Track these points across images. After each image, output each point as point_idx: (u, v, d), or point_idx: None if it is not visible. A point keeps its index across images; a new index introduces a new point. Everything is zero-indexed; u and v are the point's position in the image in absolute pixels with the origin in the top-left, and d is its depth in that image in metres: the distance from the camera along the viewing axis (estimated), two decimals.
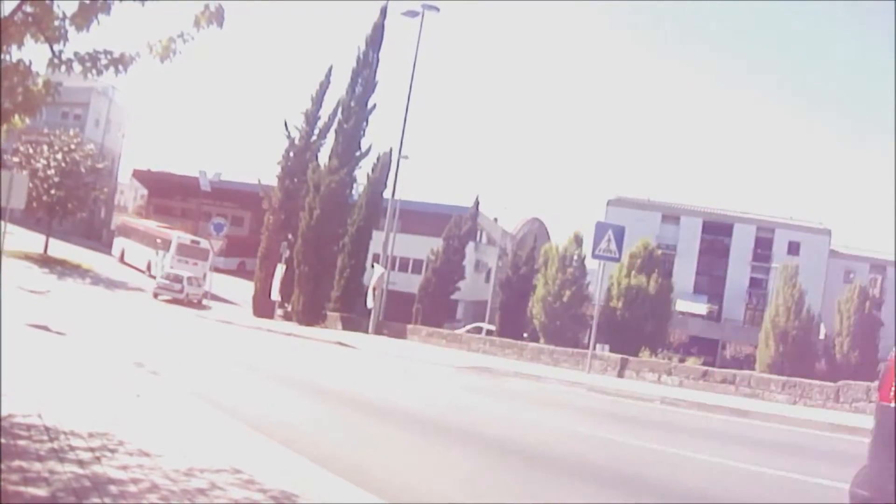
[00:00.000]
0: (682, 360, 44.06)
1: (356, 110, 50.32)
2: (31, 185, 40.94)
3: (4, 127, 8.27)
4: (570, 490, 10.28)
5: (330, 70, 54.42)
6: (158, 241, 62.12)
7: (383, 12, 50.17)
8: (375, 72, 50.46)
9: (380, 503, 8.12)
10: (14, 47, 7.44)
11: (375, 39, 50.28)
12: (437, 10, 44.59)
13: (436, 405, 18.47)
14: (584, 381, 25.45)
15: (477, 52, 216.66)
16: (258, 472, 8.62)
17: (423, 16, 44.67)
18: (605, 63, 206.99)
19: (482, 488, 10.06)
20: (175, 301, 52.33)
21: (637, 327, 59.75)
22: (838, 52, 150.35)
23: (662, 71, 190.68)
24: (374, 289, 45.33)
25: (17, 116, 8.04)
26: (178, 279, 53.58)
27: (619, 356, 30.72)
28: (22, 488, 6.88)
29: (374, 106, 50.97)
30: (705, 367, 28.62)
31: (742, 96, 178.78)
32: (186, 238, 62.07)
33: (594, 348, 31.33)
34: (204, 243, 60.05)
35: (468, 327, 60.13)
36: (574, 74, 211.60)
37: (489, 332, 56.63)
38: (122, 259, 67.40)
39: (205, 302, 55.46)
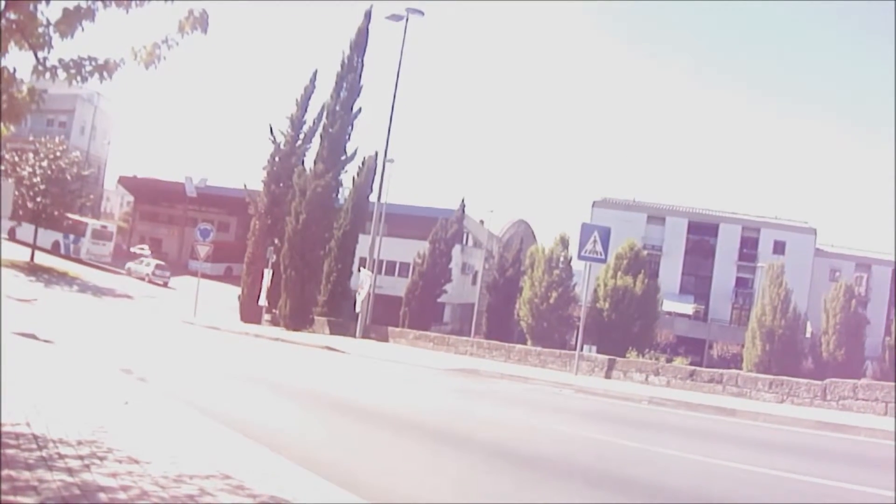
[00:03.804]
0: (669, 360, 44.11)
1: (341, 114, 50.26)
2: (16, 193, 40.83)
3: None
4: (559, 490, 10.30)
5: (315, 74, 54.60)
6: (67, 225, 67.22)
7: (368, 16, 50.12)
8: (360, 76, 50.40)
9: None
10: None
11: (360, 43, 50.23)
12: (422, 13, 44.55)
13: (424, 408, 18.47)
14: (571, 383, 25.49)
15: (462, 55, 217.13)
16: (247, 477, 8.64)
17: (407, 19, 44.59)
18: (590, 65, 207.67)
19: (471, 490, 10.08)
20: (140, 279, 68.28)
21: (624, 328, 59.93)
22: (821, 51, 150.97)
23: (647, 72, 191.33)
24: (363, 293, 45.32)
25: (1, 124, 8.02)
26: (147, 265, 71.04)
27: (607, 357, 30.74)
28: (12, 498, 6.87)
29: (360, 110, 50.90)
30: (692, 367, 28.64)
31: (726, 96, 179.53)
32: (98, 224, 73.09)
33: (581, 349, 31.38)
34: (111, 227, 77.68)
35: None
36: (559, 76, 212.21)
37: None
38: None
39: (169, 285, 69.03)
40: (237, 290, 56.13)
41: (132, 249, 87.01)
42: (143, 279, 69.00)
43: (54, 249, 63.22)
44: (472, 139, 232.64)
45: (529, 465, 11.75)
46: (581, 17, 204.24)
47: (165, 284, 69.73)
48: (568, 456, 12.68)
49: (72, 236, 64.08)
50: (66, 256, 61.30)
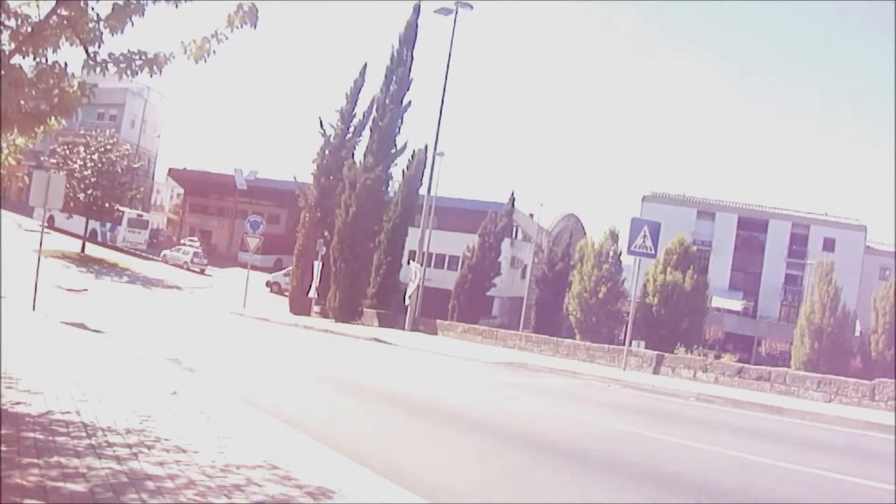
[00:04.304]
0: (717, 357, 43.85)
1: (391, 108, 50.39)
2: (67, 185, 41.27)
3: (41, 129, 8.35)
4: (605, 486, 10.27)
5: (364, 68, 54.48)
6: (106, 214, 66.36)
7: (417, 10, 50.23)
8: (410, 69, 50.53)
9: (414, 500, 8.15)
10: (49, 50, 7.51)
11: (409, 37, 50.32)
12: (471, 6, 44.56)
13: (472, 401, 18.47)
14: (620, 378, 25.46)
15: (511, 48, 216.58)
16: (295, 467, 8.68)
17: (456, 13, 44.65)
18: (641, 58, 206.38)
19: (517, 484, 10.05)
20: (177, 265, 69.35)
21: (673, 324, 59.45)
22: (873, 47, 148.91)
23: (699, 66, 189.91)
24: (412, 285, 45.39)
25: (53, 118, 8.12)
26: (185, 253, 72.42)
27: (655, 353, 30.64)
28: (61, 484, 6.98)
29: (409, 103, 51.09)
30: (740, 364, 28.46)
31: (778, 91, 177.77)
32: (134, 213, 72.58)
33: (630, 345, 31.29)
34: (146, 216, 77.24)
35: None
36: (609, 69, 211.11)
37: None
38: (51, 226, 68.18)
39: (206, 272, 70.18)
40: (278, 280, 56.92)
41: (182, 241, 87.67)
42: (180, 266, 69.74)
43: (91, 237, 63.68)
44: (521, 132, 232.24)
45: (576, 460, 11.72)
46: (631, 12, 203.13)
47: (202, 272, 70.59)
48: (615, 451, 12.63)
49: (108, 224, 64.53)
50: (103, 244, 61.83)
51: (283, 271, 66.94)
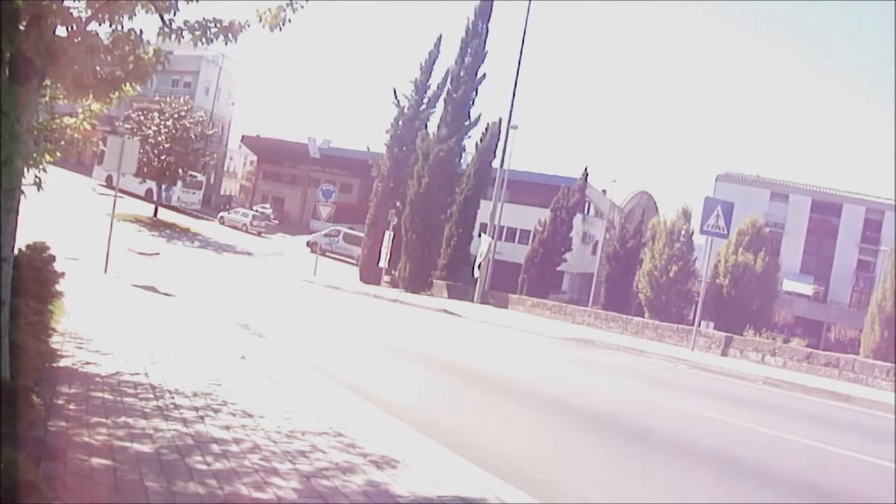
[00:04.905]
0: (786, 341, 43.27)
1: (465, 80, 50.29)
2: (141, 151, 41.76)
3: (116, 95, 8.43)
4: (668, 466, 10.23)
5: (439, 39, 54.42)
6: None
7: None
8: (485, 41, 50.37)
9: (477, 472, 8.18)
10: (125, 17, 7.57)
11: (485, 9, 50.15)
12: None
13: (538, 376, 18.47)
14: (687, 358, 25.29)
15: (587, 22, 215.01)
16: (359, 435, 8.75)
17: None
18: (715, 38, 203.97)
19: (580, 460, 10.07)
20: (234, 227, 71.01)
21: (742, 305, 58.94)
22: None
23: (772, 49, 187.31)
24: (482, 258, 45.41)
25: (128, 84, 8.19)
26: (245, 215, 73.98)
27: (724, 334, 30.40)
28: (127, 444, 7.10)
29: (484, 76, 50.90)
30: (809, 349, 28.06)
31: (852, 76, 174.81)
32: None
33: (699, 325, 31.04)
34: (200, 177, 75.11)
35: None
36: (685, 47, 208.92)
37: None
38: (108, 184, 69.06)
39: (264, 234, 71.62)
40: (318, 241, 57.73)
41: (255, 208, 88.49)
42: (238, 228, 70.95)
43: (147, 196, 64.39)
44: (596, 107, 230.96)
45: (641, 439, 11.68)
46: None
47: (260, 234, 71.58)
48: (680, 432, 12.58)
49: (164, 185, 65.21)
50: (158, 202, 62.33)
51: (324, 232, 67.82)
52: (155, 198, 62.01)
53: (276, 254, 59.90)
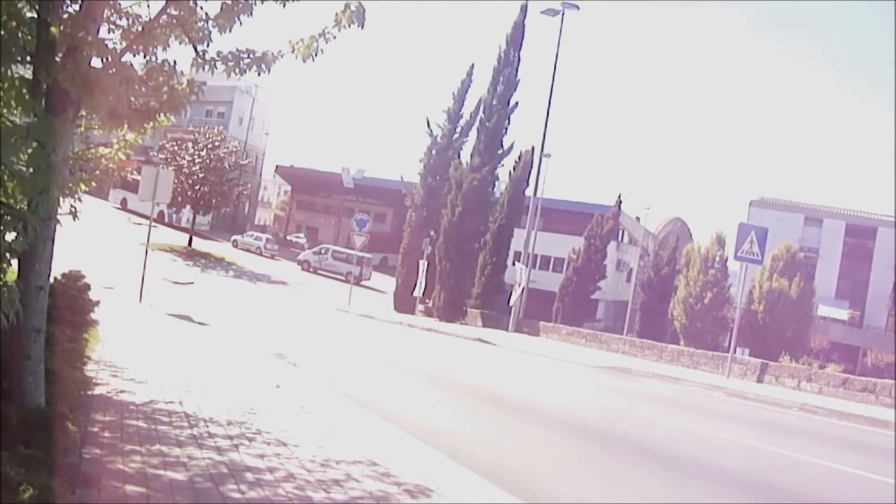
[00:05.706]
0: (822, 367, 42.96)
1: (498, 108, 50.35)
2: (175, 180, 42.03)
3: (151, 125, 8.53)
4: (704, 493, 10.20)
5: (471, 68, 54.49)
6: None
7: (523, 11, 50.03)
8: (517, 70, 50.43)
9: (512, 501, 8.17)
10: (159, 48, 7.68)
11: (516, 38, 50.24)
12: (578, 7, 44.33)
13: (573, 404, 18.44)
14: (723, 385, 25.17)
15: (618, 49, 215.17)
16: (394, 464, 8.76)
17: (563, 14, 44.44)
18: (748, 63, 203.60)
19: (617, 489, 10.04)
20: (248, 250, 71.31)
21: (777, 331, 58.51)
22: None
23: (806, 72, 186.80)
24: (518, 286, 45.34)
25: (162, 115, 8.29)
26: (258, 238, 75.00)
27: (759, 361, 30.21)
28: (161, 472, 7.14)
29: (516, 104, 50.92)
30: (845, 375, 27.87)
31: (887, 98, 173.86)
32: None
33: (734, 352, 30.86)
34: None
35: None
36: (717, 74, 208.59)
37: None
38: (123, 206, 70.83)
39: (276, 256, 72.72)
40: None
41: (289, 238, 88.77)
42: (251, 251, 71.82)
43: (159, 219, 64.75)
44: (629, 135, 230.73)
45: (677, 467, 11.65)
46: (738, 16, 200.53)
47: (273, 257, 72.45)
48: (716, 459, 12.54)
49: (174, 207, 65.46)
50: (170, 225, 62.88)
51: (314, 249, 70.29)
52: (192, 227, 62.31)
53: (311, 283, 59.98)
